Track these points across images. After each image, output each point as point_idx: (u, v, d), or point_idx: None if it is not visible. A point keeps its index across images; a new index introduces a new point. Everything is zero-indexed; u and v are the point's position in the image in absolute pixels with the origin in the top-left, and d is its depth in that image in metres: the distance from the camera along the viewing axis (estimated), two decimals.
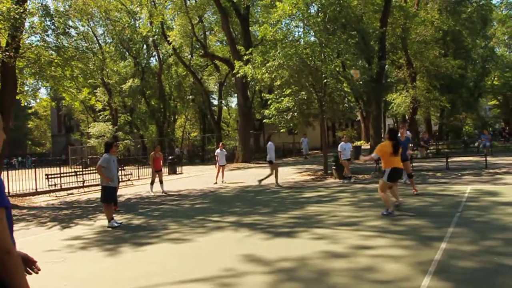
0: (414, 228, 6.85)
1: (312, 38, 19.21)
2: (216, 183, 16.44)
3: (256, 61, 17.82)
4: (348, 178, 14.43)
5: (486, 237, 5.96)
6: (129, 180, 19.45)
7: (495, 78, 42.42)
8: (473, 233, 6.24)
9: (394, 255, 5.38)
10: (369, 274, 4.75)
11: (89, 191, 17.09)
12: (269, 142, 15.15)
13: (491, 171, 14.25)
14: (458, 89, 33.97)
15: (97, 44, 40.47)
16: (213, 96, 48.10)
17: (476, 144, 23.75)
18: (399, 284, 4.38)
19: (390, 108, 33.85)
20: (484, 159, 15.85)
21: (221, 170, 16.96)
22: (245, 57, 18.80)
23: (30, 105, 63.18)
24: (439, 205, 8.79)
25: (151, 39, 36.88)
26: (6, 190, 15.38)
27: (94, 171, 18.29)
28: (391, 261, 5.15)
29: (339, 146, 14.90)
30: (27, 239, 8.22)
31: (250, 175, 19.27)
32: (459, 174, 13.99)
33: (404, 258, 5.22)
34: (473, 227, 6.62)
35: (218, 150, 17.48)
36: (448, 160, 16.24)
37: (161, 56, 40.47)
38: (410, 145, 13.13)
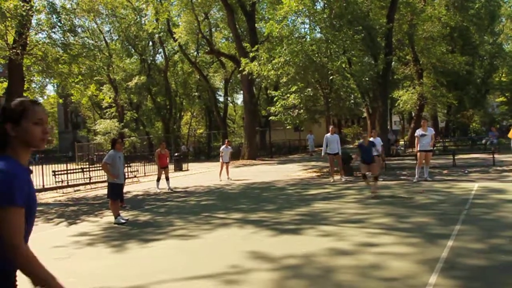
0: (421, 225, 6.82)
1: (318, 35, 19.18)
2: (221, 180, 16.44)
3: (262, 58, 17.81)
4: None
5: (493, 235, 5.92)
6: (135, 176, 19.54)
7: (503, 75, 42.05)
8: (480, 231, 6.20)
9: (400, 253, 5.36)
10: (375, 272, 4.74)
11: (95, 188, 17.18)
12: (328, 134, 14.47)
13: (498, 168, 14.14)
14: (465, 86, 33.73)
15: (103, 41, 40.63)
16: (219, 93, 48.15)
17: (483, 141, 23.59)
18: (406, 282, 4.37)
19: (396, 104, 33.71)
20: (491, 156, 15.74)
21: (225, 167, 16.93)
22: (251, 54, 18.78)
23: (37, 102, 63.49)
24: (445, 203, 8.73)
25: (157, 36, 36.95)
26: None
27: (100, 168, 18.39)
28: (397, 258, 5.13)
29: None
30: (34, 235, 8.26)
31: (255, 172, 19.29)
32: (466, 172, 13.89)
33: (411, 256, 5.20)
34: (480, 225, 6.58)
35: (223, 147, 17.45)
36: (455, 157, 16.13)
37: (167, 53, 40.55)
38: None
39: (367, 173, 10.58)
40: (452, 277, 4.40)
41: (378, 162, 13.81)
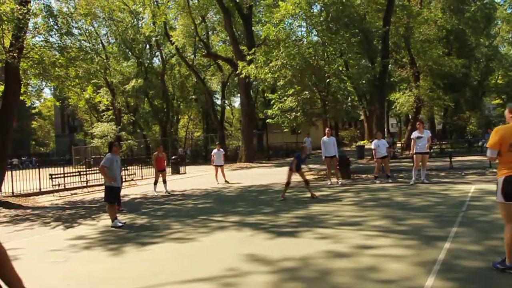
0: (418, 227, 6.84)
1: (315, 38, 19.22)
2: (218, 183, 16.43)
3: (259, 61, 17.84)
4: (387, 177, 13.55)
5: (490, 237, 5.93)
6: (132, 180, 19.51)
7: (499, 77, 42.26)
8: (476, 233, 6.22)
9: (397, 255, 5.37)
10: (372, 274, 4.74)
11: (92, 191, 17.13)
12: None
13: (494, 170, 14.11)
14: (461, 88, 33.86)
15: (100, 44, 40.61)
16: (216, 96, 48.16)
17: (480, 143, 23.66)
18: (402, 284, 4.38)
19: (393, 107, 33.80)
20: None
21: (219, 170, 16.91)
22: (248, 57, 18.79)
23: (34, 105, 63.49)
24: (442, 205, 8.76)
25: (154, 39, 36.94)
26: (10, 190, 15.48)
27: (97, 171, 18.36)
28: (394, 260, 5.14)
29: (372, 144, 14.27)
30: (31, 238, 8.26)
31: (253, 175, 19.30)
32: (463, 174, 13.94)
33: (407, 258, 5.21)
34: (476, 227, 6.61)
35: (215, 150, 17.41)
36: (452, 159, 16.19)
37: (164, 56, 40.53)
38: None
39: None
40: (449, 279, 4.42)
41: (387, 163, 13.88)
